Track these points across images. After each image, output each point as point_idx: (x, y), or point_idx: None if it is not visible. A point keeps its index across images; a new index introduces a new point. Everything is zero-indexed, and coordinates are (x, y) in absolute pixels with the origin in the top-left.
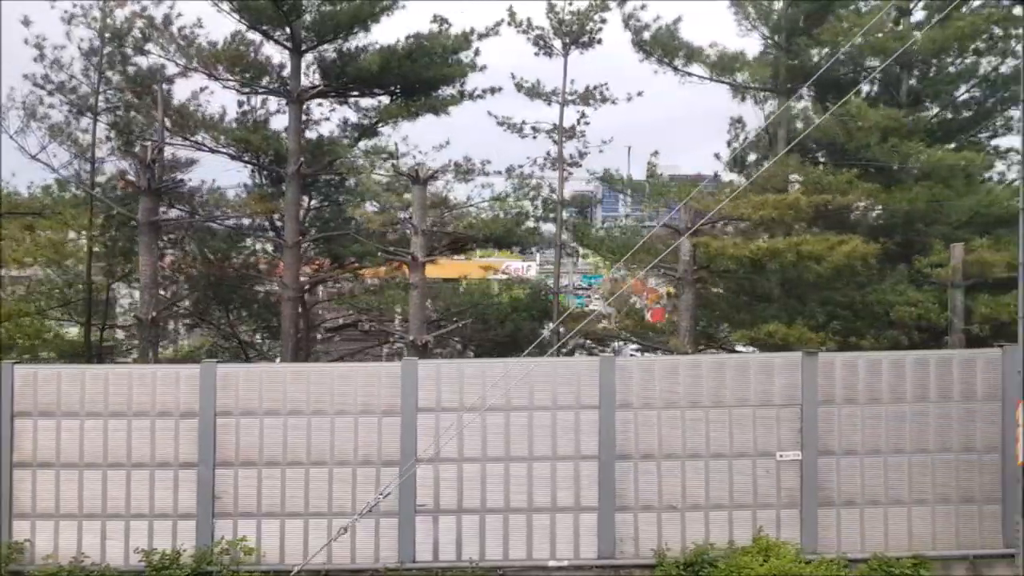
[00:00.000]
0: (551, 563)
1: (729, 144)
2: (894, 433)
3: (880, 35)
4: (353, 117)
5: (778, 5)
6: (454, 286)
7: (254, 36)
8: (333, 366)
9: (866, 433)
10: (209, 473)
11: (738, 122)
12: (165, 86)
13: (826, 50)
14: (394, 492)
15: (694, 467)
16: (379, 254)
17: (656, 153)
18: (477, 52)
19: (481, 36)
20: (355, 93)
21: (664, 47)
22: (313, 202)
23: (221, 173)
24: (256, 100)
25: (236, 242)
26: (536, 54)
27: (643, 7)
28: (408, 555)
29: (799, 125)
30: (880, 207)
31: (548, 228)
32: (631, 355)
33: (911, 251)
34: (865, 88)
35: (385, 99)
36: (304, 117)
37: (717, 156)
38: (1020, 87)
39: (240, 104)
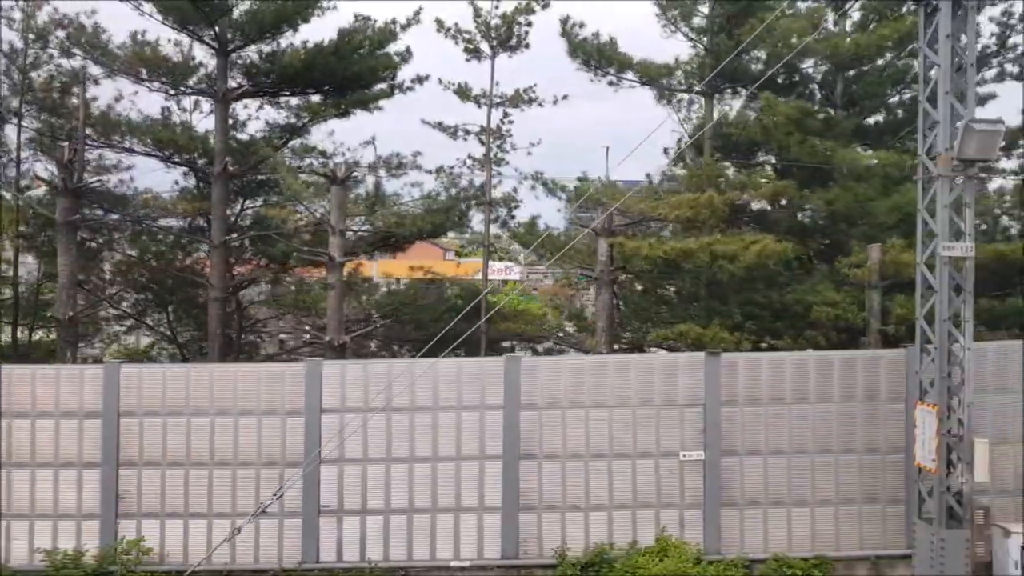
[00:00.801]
0: (453, 563)
1: (665, 150)
2: (797, 433)
3: (801, 37)
4: (284, 117)
5: (705, 8)
6: (389, 285)
7: (182, 37)
8: (236, 366)
9: (769, 433)
10: (113, 473)
11: (680, 124)
12: (93, 88)
13: (759, 52)
14: (298, 493)
15: (598, 467)
16: (294, 255)
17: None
18: (408, 51)
19: (404, 27)
20: (286, 93)
21: (598, 56)
22: (248, 202)
23: (150, 174)
24: (189, 102)
25: (173, 244)
26: (467, 59)
27: (582, 25)
28: (312, 555)
29: (731, 126)
30: (803, 207)
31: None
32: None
33: (841, 252)
34: (801, 90)
35: (318, 98)
36: (239, 118)
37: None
38: (920, 87)
39: (167, 106)
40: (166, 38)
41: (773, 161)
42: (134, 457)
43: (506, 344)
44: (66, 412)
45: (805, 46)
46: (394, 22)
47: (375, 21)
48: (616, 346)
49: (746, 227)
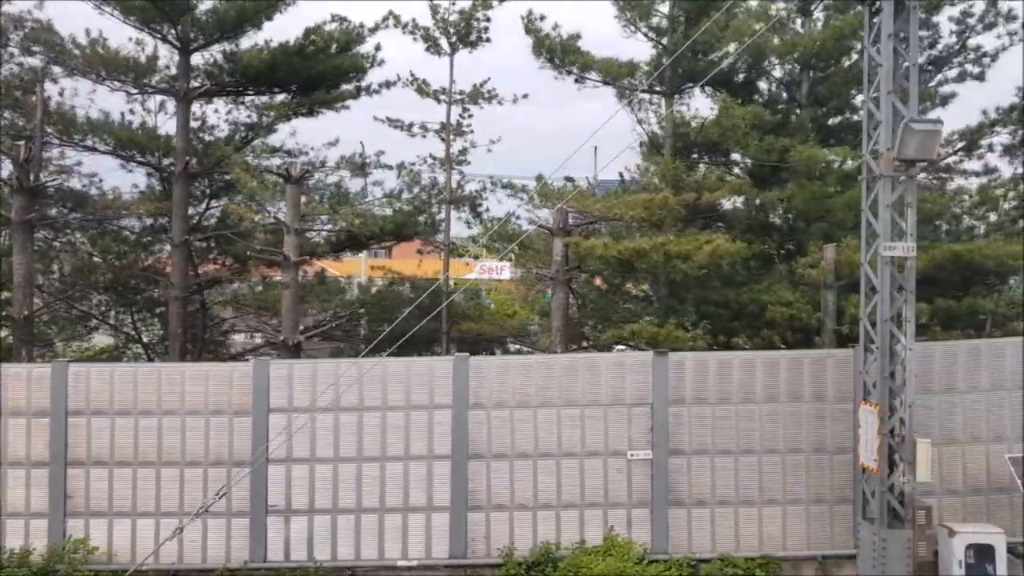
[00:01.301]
0: (401, 563)
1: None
2: (745, 433)
3: (762, 36)
4: (247, 116)
5: (664, 7)
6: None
7: (144, 36)
8: (185, 366)
9: (717, 433)
10: (61, 472)
11: (639, 124)
12: (55, 87)
13: (720, 52)
14: (246, 493)
15: (546, 466)
16: (248, 254)
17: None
18: (377, 52)
19: (371, 30)
20: (250, 92)
21: (561, 54)
22: (214, 202)
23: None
24: (154, 102)
25: (135, 244)
26: (427, 55)
27: (542, 18)
28: (259, 555)
29: (693, 125)
30: (761, 206)
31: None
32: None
33: (804, 251)
34: (764, 88)
35: (284, 97)
36: (207, 119)
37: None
38: (865, 86)
39: (132, 106)
40: (127, 37)
41: (737, 160)
42: (82, 456)
43: (476, 344)
44: (14, 411)
45: (768, 45)
46: (362, 26)
47: (348, 22)
48: (573, 346)
49: (709, 227)
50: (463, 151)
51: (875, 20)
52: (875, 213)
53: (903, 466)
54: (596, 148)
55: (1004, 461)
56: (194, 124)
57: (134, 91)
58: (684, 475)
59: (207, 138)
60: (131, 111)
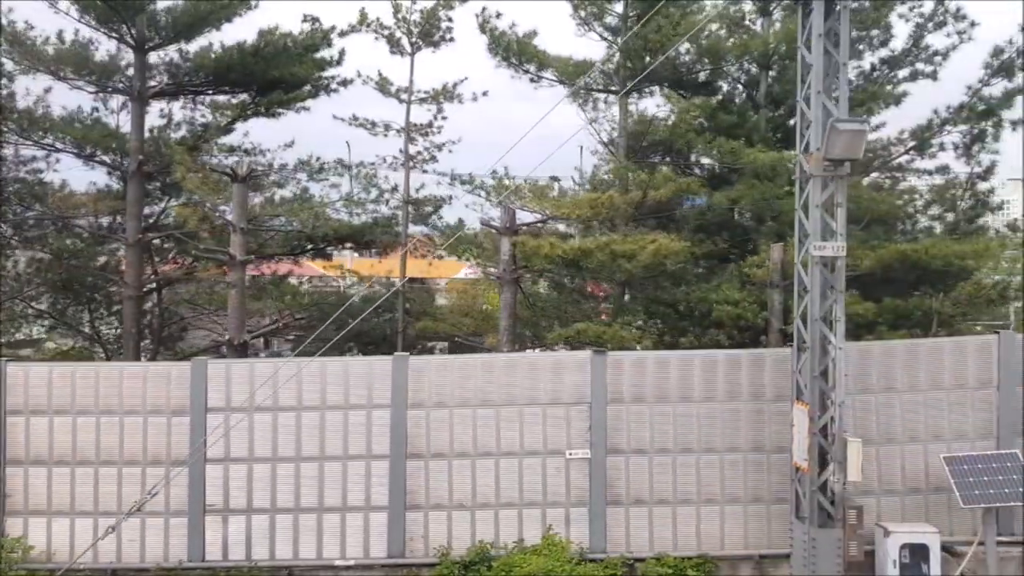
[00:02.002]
0: (338, 562)
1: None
2: (683, 432)
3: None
4: (201, 116)
5: (618, 7)
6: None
7: (99, 36)
8: (123, 365)
9: (655, 432)
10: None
11: (591, 124)
12: (14, 84)
13: (676, 52)
14: (184, 492)
15: (485, 466)
16: (194, 253)
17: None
18: (342, 55)
19: (331, 31)
20: (209, 92)
21: (518, 52)
22: (173, 201)
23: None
24: (116, 101)
25: (90, 242)
26: (390, 50)
27: (498, 15)
28: (197, 554)
29: (642, 125)
30: (710, 206)
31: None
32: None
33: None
34: (727, 89)
35: (245, 98)
36: (174, 118)
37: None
38: (798, 87)
39: (96, 105)
40: (83, 36)
41: (693, 160)
42: (20, 455)
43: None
44: None
45: (723, 46)
46: (316, 20)
47: (317, 23)
48: (519, 345)
49: (663, 227)
50: (427, 149)
51: (808, 20)
52: (808, 213)
53: (834, 465)
54: (581, 148)
55: (941, 461)
56: (161, 122)
57: (91, 90)
58: (622, 474)
59: (172, 136)
60: (95, 110)
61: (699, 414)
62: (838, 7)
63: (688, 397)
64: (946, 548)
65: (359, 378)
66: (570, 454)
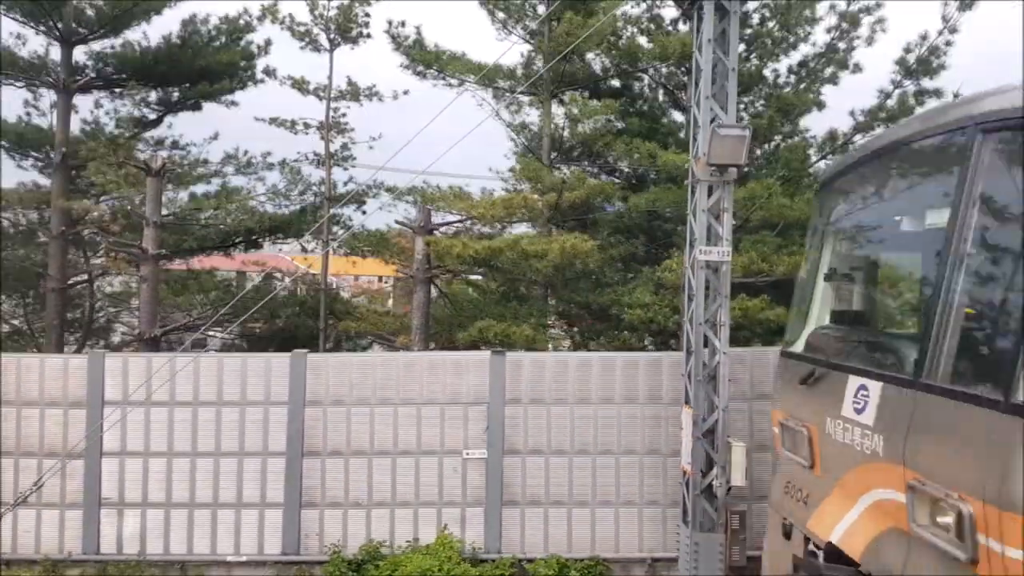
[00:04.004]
0: (230, 558)
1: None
2: (580, 434)
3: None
4: (127, 108)
5: (541, 8)
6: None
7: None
8: (19, 357)
9: (552, 433)
10: None
11: (508, 127)
12: None
13: (595, 54)
14: (80, 485)
15: (382, 464)
16: (102, 247)
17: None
18: (267, 45)
19: (248, 26)
20: (141, 85)
21: (422, 56)
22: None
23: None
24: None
25: (18, 235)
26: (303, 47)
27: (403, 24)
28: (92, 547)
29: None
30: (625, 207)
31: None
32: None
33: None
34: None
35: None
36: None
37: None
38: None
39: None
40: (8, 31)
41: (614, 163)
42: None
43: (364, 342)
44: None
45: (641, 49)
46: (242, 18)
47: (241, 18)
48: (435, 345)
49: (584, 228)
50: (344, 147)
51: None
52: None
53: (716, 469)
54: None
55: None
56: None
57: (16, 84)
58: (519, 475)
59: (99, 131)
60: (28, 114)
61: (597, 416)
62: (730, 11)
63: (586, 399)
64: None
65: (257, 375)
66: (467, 454)
